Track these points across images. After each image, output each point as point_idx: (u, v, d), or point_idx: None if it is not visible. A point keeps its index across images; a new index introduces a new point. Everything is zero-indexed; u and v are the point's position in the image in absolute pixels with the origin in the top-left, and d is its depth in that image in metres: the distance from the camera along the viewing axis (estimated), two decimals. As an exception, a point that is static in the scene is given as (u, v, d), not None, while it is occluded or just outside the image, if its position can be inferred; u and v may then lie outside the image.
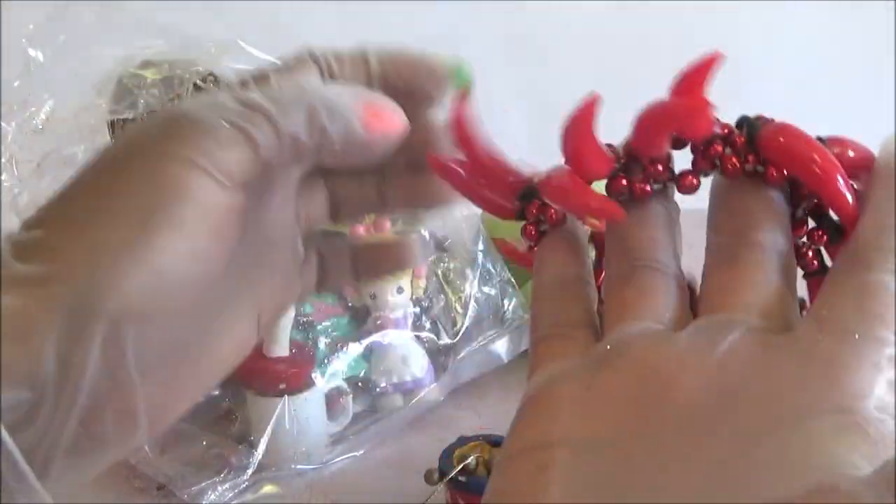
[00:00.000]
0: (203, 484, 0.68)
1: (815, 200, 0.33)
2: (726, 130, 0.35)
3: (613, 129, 1.25)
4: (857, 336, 0.27)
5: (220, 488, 0.68)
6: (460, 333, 0.76)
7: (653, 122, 0.34)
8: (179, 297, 0.32)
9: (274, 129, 0.34)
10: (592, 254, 0.37)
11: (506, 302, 0.79)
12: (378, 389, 0.74)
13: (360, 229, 0.73)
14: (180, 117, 0.33)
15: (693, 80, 0.34)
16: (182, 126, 0.32)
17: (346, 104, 0.36)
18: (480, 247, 0.79)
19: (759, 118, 0.35)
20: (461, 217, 0.80)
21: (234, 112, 0.33)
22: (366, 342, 0.73)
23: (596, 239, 0.38)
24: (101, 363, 0.31)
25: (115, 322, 0.31)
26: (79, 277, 0.30)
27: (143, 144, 0.33)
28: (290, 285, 0.40)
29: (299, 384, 0.69)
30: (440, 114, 0.43)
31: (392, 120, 0.37)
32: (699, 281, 0.34)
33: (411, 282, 0.74)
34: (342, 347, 0.72)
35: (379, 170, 0.41)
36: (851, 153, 0.33)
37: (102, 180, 0.32)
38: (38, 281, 0.30)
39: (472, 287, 0.77)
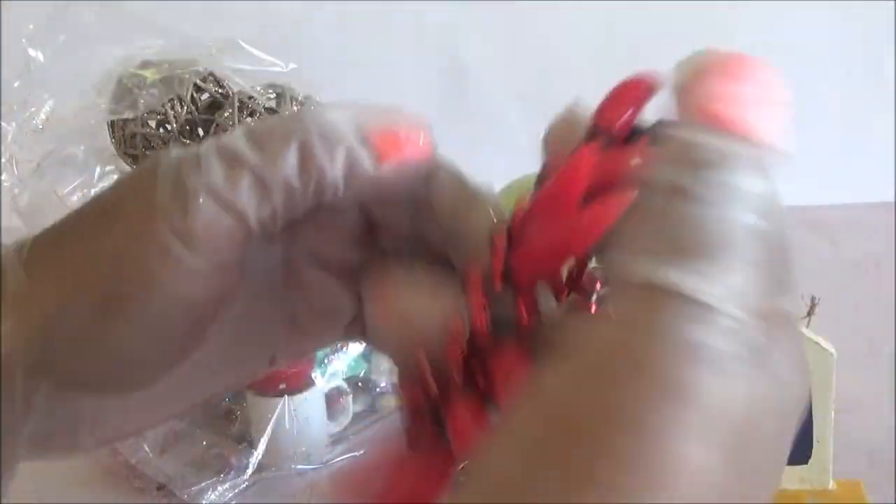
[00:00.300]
0: (203, 484, 0.68)
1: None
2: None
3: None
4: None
5: (220, 488, 0.68)
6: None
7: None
8: (143, 376, 0.30)
9: (262, 187, 0.28)
10: None
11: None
12: (378, 389, 0.74)
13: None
14: (160, 182, 0.29)
15: (619, 104, 0.29)
16: (161, 193, 0.28)
17: (349, 130, 0.29)
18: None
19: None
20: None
21: (218, 174, 0.28)
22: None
23: None
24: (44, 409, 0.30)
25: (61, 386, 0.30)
26: (34, 335, 0.29)
27: (123, 208, 0.29)
28: (308, 329, 0.33)
29: (299, 384, 0.69)
30: None
31: (412, 144, 0.31)
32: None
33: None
34: (342, 347, 0.72)
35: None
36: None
37: (86, 232, 0.30)
38: (17, 305, 0.29)
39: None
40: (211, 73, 0.80)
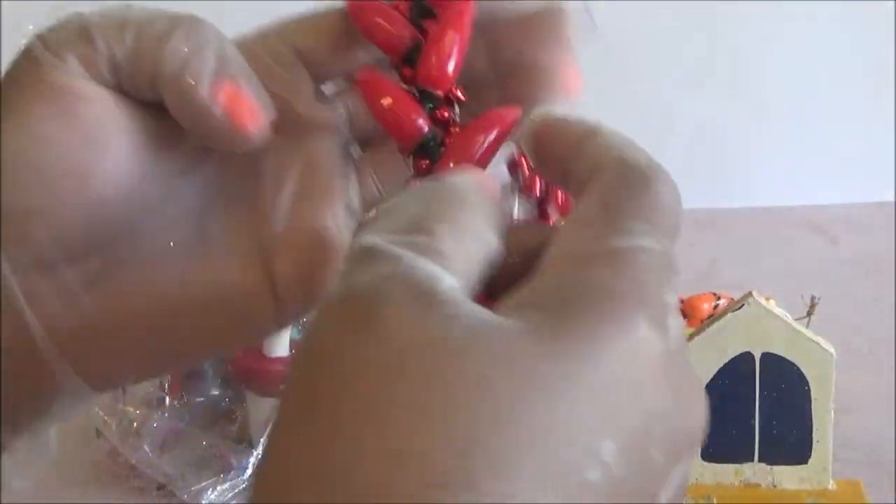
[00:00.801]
0: (203, 484, 0.68)
1: None
2: None
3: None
4: None
5: (220, 488, 0.68)
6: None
7: None
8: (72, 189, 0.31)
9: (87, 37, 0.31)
10: None
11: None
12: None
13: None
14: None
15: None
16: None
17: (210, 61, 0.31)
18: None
19: None
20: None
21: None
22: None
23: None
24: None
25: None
26: None
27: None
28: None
29: (299, 384, 0.69)
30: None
31: (255, 114, 0.31)
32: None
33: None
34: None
35: None
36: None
37: None
38: None
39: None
40: None
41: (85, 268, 0.31)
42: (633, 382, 0.23)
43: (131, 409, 0.70)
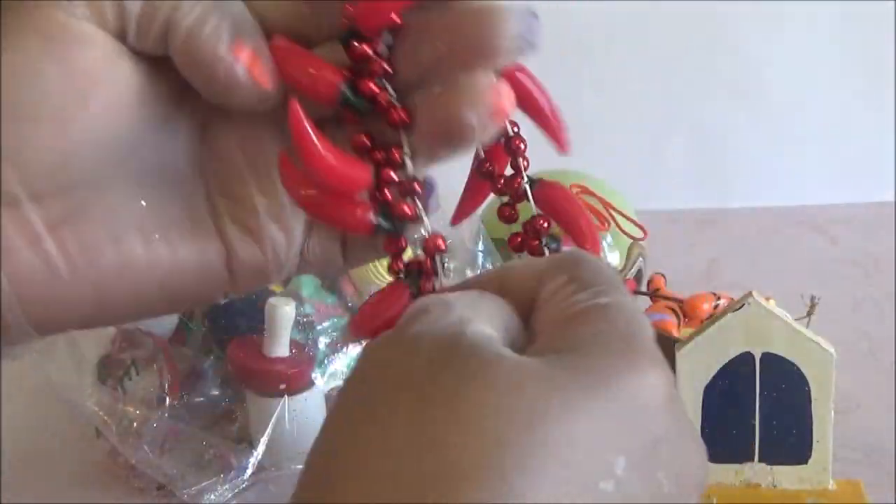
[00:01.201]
0: (203, 484, 0.68)
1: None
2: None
3: (614, 129, 1.26)
4: None
5: (220, 488, 0.68)
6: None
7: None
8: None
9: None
10: None
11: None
12: (378, 389, 0.74)
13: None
14: None
15: None
16: None
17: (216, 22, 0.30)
18: (480, 247, 0.79)
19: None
20: (462, 218, 0.80)
21: None
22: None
23: None
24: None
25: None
26: None
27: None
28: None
29: (299, 384, 0.69)
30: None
31: (265, 71, 0.31)
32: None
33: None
34: (342, 347, 0.72)
35: None
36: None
37: None
38: None
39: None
40: None
41: (49, 209, 0.31)
42: (640, 409, 0.26)
43: (131, 409, 0.70)
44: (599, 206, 0.81)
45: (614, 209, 0.81)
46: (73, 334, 0.74)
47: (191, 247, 0.33)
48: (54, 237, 0.31)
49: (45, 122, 0.30)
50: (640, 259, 0.84)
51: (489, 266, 0.79)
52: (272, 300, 0.68)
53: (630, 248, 0.83)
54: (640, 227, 0.84)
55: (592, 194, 0.81)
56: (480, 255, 0.79)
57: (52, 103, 0.30)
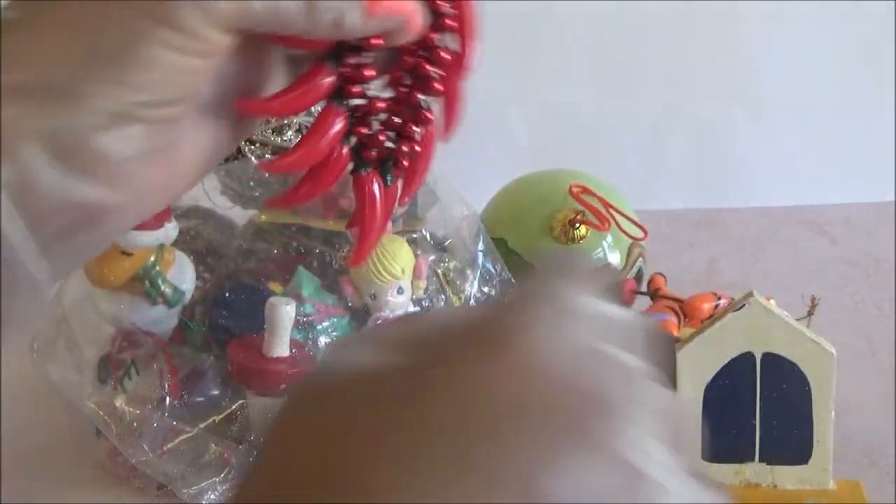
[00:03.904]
0: (203, 484, 0.68)
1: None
2: None
3: (613, 129, 1.26)
4: None
5: (220, 488, 0.68)
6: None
7: None
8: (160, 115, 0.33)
9: None
10: None
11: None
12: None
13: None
14: None
15: None
16: None
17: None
18: (481, 247, 0.79)
19: None
20: (461, 217, 0.80)
21: None
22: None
23: None
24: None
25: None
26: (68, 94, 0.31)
27: None
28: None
29: (299, 384, 0.69)
30: None
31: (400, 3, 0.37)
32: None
33: (412, 282, 0.74)
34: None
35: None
36: None
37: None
38: (26, 90, 0.31)
39: (472, 287, 0.77)
40: None
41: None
42: None
43: (131, 409, 0.70)
44: (600, 206, 0.81)
45: (615, 209, 0.81)
46: (73, 334, 0.73)
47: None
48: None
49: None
50: (641, 259, 0.84)
51: (489, 266, 0.79)
52: (272, 300, 0.68)
53: (630, 248, 0.83)
54: (641, 228, 0.84)
55: (593, 194, 0.81)
56: (481, 254, 0.79)
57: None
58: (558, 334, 0.27)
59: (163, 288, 0.70)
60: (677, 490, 0.25)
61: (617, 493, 0.24)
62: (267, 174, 0.76)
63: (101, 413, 0.70)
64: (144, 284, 0.70)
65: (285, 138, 0.76)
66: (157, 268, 0.70)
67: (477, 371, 0.26)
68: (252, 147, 0.76)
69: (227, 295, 0.73)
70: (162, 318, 0.72)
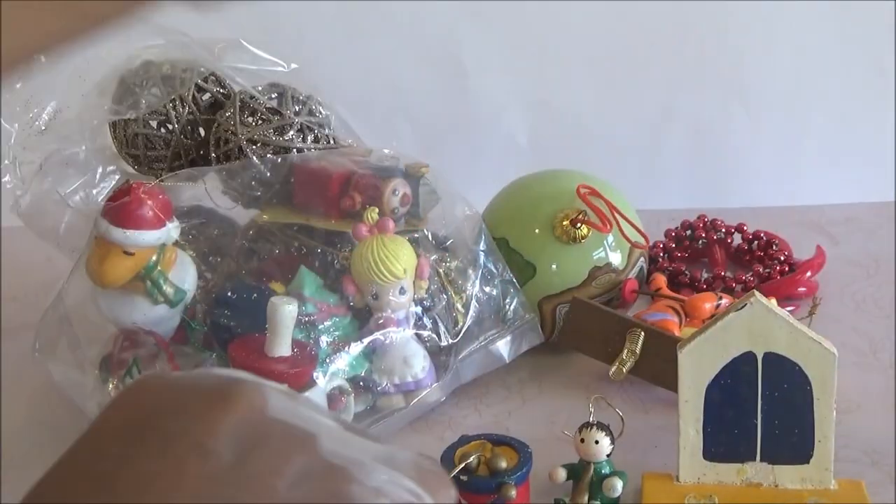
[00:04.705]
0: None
1: None
2: None
3: (613, 129, 1.26)
4: None
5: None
6: (461, 333, 0.76)
7: None
8: None
9: None
10: None
11: (507, 302, 0.79)
12: (379, 389, 0.74)
13: (363, 229, 0.73)
14: None
15: None
16: None
17: None
18: (482, 247, 0.79)
19: None
20: (463, 216, 0.80)
21: None
22: (367, 341, 0.73)
23: None
24: None
25: None
26: None
27: None
28: None
29: (301, 384, 0.69)
30: None
31: None
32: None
33: (414, 282, 0.74)
34: (344, 347, 0.72)
35: None
36: None
37: None
38: None
39: (473, 287, 0.77)
40: (212, 74, 0.80)
41: None
42: None
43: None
44: (604, 208, 0.81)
45: (619, 213, 0.81)
46: (75, 334, 0.73)
47: None
48: None
49: None
50: (642, 259, 0.84)
51: (490, 266, 0.79)
52: (274, 299, 0.68)
53: (632, 248, 0.83)
54: (643, 235, 0.84)
55: (600, 196, 0.81)
56: (482, 254, 0.79)
57: None
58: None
59: (164, 288, 0.70)
60: None
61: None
62: (268, 174, 0.76)
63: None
64: (146, 284, 0.70)
65: (286, 138, 0.76)
66: (159, 268, 0.70)
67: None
68: (254, 147, 0.76)
69: (228, 294, 0.73)
70: (164, 318, 0.72)
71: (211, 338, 0.73)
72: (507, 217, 0.84)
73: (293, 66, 0.79)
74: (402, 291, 0.73)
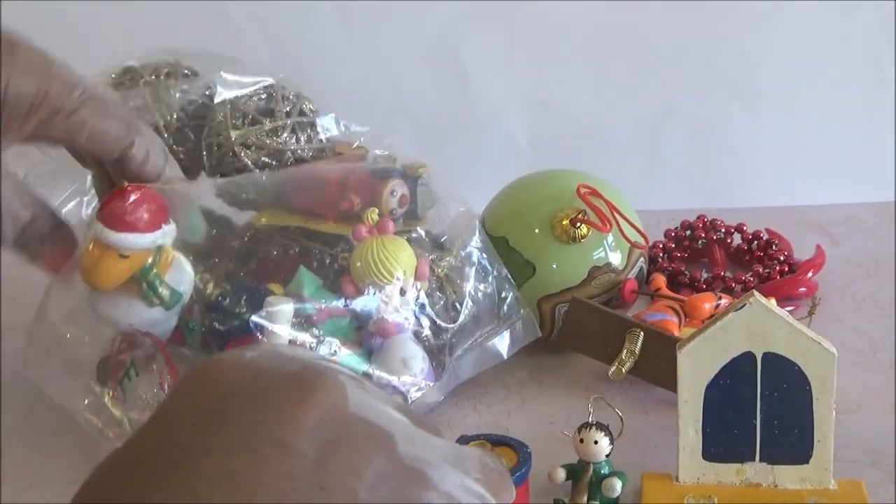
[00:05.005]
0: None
1: None
2: None
3: (613, 129, 1.26)
4: None
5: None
6: (458, 330, 0.76)
7: None
8: None
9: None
10: None
11: (503, 298, 0.79)
12: (378, 389, 0.74)
13: (363, 230, 0.73)
14: None
15: None
16: None
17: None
18: (476, 244, 0.79)
19: None
20: (457, 214, 0.80)
21: None
22: (366, 343, 0.73)
23: None
24: None
25: None
26: None
27: None
28: None
29: (300, 384, 0.69)
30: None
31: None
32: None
33: (413, 283, 0.74)
34: (342, 348, 0.72)
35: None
36: None
37: None
38: None
39: (468, 284, 0.77)
40: (195, 73, 0.79)
41: None
42: None
43: (131, 417, 0.70)
44: (605, 209, 0.81)
45: (620, 214, 0.81)
46: (66, 344, 0.73)
47: None
48: None
49: None
50: (642, 259, 0.84)
51: (485, 262, 0.79)
52: (270, 299, 0.68)
53: (631, 249, 0.83)
54: (643, 235, 0.84)
55: (600, 196, 0.81)
56: (476, 251, 0.79)
57: None
58: None
59: (160, 290, 0.70)
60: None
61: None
62: (264, 177, 0.76)
63: (97, 423, 0.70)
64: (142, 287, 0.70)
65: (279, 140, 0.76)
66: (155, 270, 0.70)
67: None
68: (248, 151, 0.75)
69: (226, 296, 0.73)
70: (160, 320, 0.71)
71: (208, 338, 0.73)
72: (507, 216, 0.84)
73: (280, 75, 0.79)
74: (402, 292, 0.73)
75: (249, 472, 0.29)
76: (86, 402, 0.71)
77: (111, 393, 0.71)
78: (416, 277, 0.74)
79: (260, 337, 0.69)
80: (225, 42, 1.08)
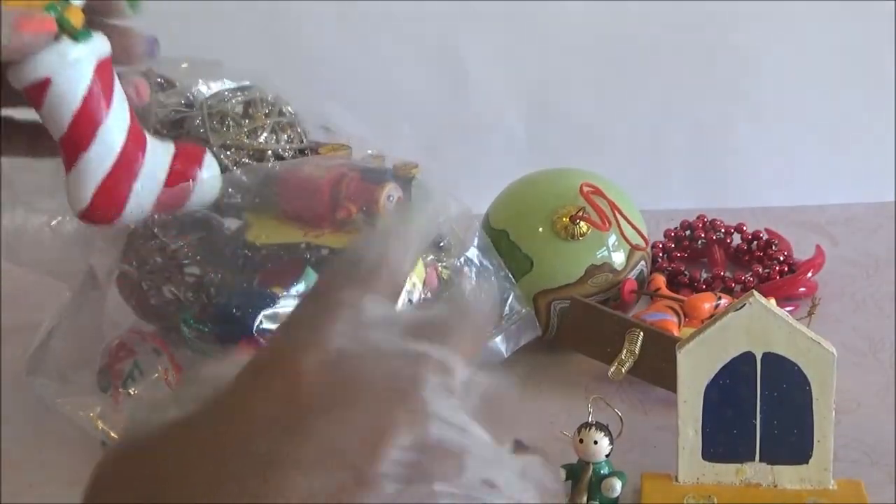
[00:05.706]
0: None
1: None
2: None
3: (613, 129, 1.26)
4: None
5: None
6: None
7: None
8: None
9: None
10: None
11: (504, 297, 0.79)
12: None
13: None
14: None
15: None
16: None
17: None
18: (476, 242, 0.79)
19: None
20: (455, 214, 0.80)
21: None
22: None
23: None
24: None
25: None
26: None
27: None
28: None
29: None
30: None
31: (43, 22, 0.48)
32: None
33: (422, 292, 0.74)
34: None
35: None
36: None
37: None
38: None
39: (469, 284, 0.77)
40: (168, 80, 0.78)
41: None
42: None
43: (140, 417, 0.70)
44: (607, 208, 0.81)
45: (621, 214, 0.81)
46: (61, 352, 0.73)
47: None
48: None
49: None
50: (643, 262, 0.84)
51: (486, 263, 0.79)
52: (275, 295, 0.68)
53: (633, 250, 0.83)
54: (643, 237, 0.84)
55: (603, 196, 0.81)
56: (476, 250, 0.79)
57: None
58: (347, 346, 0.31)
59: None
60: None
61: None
62: (244, 177, 0.74)
63: (102, 426, 0.70)
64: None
65: (260, 140, 0.75)
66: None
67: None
68: (227, 153, 0.74)
69: (228, 297, 0.72)
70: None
71: (212, 340, 0.73)
72: (510, 210, 0.84)
73: (258, 77, 0.79)
74: (410, 301, 0.73)
75: (326, 497, 0.29)
76: (91, 413, 0.71)
77: (115, 399, 0.71)
78: (425, 286, 0.74)
79: (261, 343, 0.69)
80: (225, 42, 1.08)
